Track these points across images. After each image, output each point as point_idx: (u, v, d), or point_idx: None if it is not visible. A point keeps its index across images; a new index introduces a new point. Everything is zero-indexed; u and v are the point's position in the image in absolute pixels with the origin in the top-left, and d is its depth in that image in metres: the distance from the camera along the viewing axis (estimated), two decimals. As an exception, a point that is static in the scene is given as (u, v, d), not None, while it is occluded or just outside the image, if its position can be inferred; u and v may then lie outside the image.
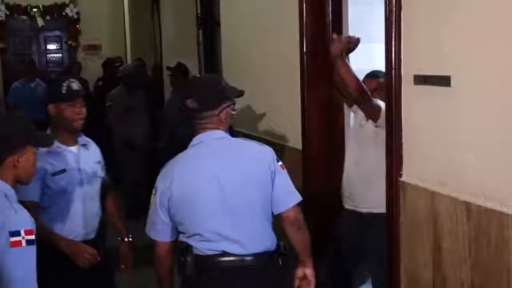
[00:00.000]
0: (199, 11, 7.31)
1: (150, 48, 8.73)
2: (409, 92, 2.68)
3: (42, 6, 11.55)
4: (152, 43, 8.60)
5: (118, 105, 6.37)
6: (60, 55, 12.11)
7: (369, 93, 3.16)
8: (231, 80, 5.18)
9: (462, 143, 2.36)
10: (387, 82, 2.81)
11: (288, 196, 2.47)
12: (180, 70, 6.32)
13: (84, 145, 3.02)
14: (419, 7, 2.59)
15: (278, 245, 2.46)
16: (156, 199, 2.42)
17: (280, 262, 2.45)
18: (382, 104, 3.09)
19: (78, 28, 11.80)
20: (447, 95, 2.42)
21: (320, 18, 3.74)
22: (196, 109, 2.43)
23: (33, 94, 7.44)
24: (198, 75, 2.74)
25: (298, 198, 2.49)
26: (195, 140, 2.46)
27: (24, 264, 2.00)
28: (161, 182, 2.43)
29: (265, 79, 4.55)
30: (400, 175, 2.74)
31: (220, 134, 2.45)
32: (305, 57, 3.80)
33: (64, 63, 11.78)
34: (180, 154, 2.47)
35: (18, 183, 2.19)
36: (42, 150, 2.57)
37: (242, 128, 4.57)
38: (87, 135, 3.07)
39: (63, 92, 2.89)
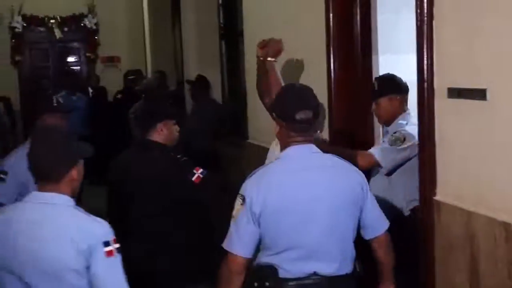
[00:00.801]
0: (221, 21, 7.35)
1: (170, 60, 8.80)
2: (442, 106, 2.66)
3: (59, 17, 11.70)
4: (173, 55, 8.66)
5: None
6: (78, 67, 12.28)
7: None
8: (255, 93, 5.22)
9: (500, 160, 2.32)
10: (418, 95, 2.79)
11: (380, 220, 2.50)
12: (201, 83, 6.34)
13: None
14: (452, 16, 2.57)
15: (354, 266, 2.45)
16: (245, 209, 2.32)
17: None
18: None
19: (97, 40, 11.94)
20: (483, 108, 2.39)
21: (347, 27, 3.74)
22: (310, 120, 2.37)
23: (75, 107, 7.33)
24: (291, 84, 2.61)
25: (387, 222, 2.52)
26: (289, 151, 2.39)
27: (120, 271, 2.12)
28: (252, 192, 2.33)
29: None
30: (434, 194, 2.71)
31: (315, 149, 2.42)
32: (332, 69, 3.80)
33: (83, 76, 11.93)
34: (274, 164, 2.42)
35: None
36: None
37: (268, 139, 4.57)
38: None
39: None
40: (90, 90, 9.88)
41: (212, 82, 6.56)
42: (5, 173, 3.34)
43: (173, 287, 3.07)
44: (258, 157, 4.79)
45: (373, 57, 3.50)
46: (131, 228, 3.02)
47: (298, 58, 4.40)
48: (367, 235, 2.48)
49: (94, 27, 11.87)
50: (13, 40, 11.58)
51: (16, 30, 11.54)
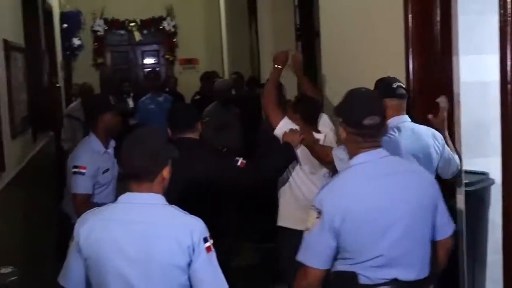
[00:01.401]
0: (297, 22, 7.36)
1: (247, 61, 8.88)
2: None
3: (139, 20, 12.10)
4: (249, 57, 8.74)
5: (212, 121, 6.50)
6: (157, 69, 12.61)
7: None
8: (332, 97, 5.21)
9: None
10: (501, 96, 2.75)
11: (449, 223, 2.52)
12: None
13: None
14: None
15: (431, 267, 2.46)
16: (323, 221, 2.31)
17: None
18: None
19: (175, 42, 12.24)
20: None
21: (426, 28, 3.70)
22: (378, 125, 2.37)
23: (161, 108, 7.32)
24: (357, 89, 2.58)
25: (453, 225, 2.55)
26: (359, 159, 2.38)
27: (217, 266, 2.22)
28: (328, 204, 2.32)
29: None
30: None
31: (385, 152, 2.41)
32: (411, 70, 3.77)
33: (162, 77, 12.24)
34: (346, 174, 2.41)
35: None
36: (99, 151, 3.89)
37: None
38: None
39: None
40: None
41: (286, 84, 6.56)
42: (84, 167, 3.80)
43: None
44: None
45: (454, 58, 3.45)
46: None
47: (377, 59, 4.37)
48: (436, 236, 2.47)
49: (173, 29, 12.18)
50: (95, 43, 12.01)
51: (98, 33, 12.00)
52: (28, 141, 5.39)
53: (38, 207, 5.44)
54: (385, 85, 3.30)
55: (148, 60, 12.61)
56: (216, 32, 11.58)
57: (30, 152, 5.37)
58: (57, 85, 7.25)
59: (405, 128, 3.20)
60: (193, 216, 2.23)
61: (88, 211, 2.30)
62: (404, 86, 3.37)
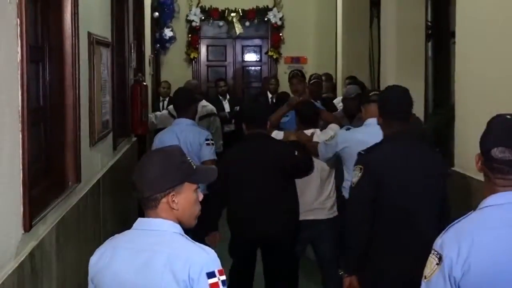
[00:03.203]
0: (429, 20, 7.24)
1: (365, 64, 8.82)
2: None
3: (241, 10, 12.21)
4: (368, 59, 8.68)
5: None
6: (259, 67, 12.77)
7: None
8: (466, 112, 5.08)
9: None
10: None
11: None
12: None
13: None
14: None
15: None
16: (442, 270, 2.29)
17: None
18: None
19: (281, 37, 12.30)
20: None
21: None
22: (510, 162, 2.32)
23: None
24: (501, 114, 2.53)
25: None
26: (491, 200, 2.34)
27: None
28: (452, 250, 2.28)
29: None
30: None
31: None
32: None
33: (262, 77, 12.35)
34: (475, 216, 2.36)
35: (180, 223, 2.42)
36: None
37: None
38: None
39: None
40: (270, 95, 10.22)
41: (413, 92, 6.45)
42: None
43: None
44: (466, 191, 4.67)
45: None
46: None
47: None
48: None
49: (279, 22, 12.21)
50: (189, 35, 12.24)
51: (193, 23, 12.20)
52: (108, 148, 5.59)
53: (116, 222, 5.62)
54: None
55: (249, 57, 12.77)
56: (330, 28, 11.50)
57: (110, 161, 5.57)
58: (144, 83, 7.47)
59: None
60: (204, 248, 2.32)
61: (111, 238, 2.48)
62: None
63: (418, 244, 3.43)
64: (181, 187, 2.36)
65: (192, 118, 5.82)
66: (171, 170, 2.35)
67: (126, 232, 2.42)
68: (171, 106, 7.88)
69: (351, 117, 6.34)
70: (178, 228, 2.36)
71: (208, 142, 5.66)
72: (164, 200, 2.35)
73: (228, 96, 10.23)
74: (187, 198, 2.38)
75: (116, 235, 2.46)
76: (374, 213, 3.68)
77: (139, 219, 2.40)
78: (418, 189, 3.72)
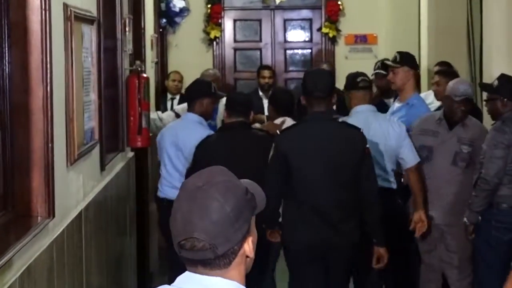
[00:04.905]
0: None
1: (462, 46, 8.76)
2: None
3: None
4: (466, 39, 8.63)
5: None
6: (308, 50, 12.83)
7: None
8: None
9: None
10: None
11: None
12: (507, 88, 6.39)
13: None
14: None
15: None
16: None
17: None
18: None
19: (341, 6, 12.30)
20: None
21: None
22: None
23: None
24: None
25: None
26: None
27: None
28: None
29: None
30: None
31: None
32: None
33: (313, 63, 12.33)
34: None
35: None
36: None
37: None
38: None
39: None
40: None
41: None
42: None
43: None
44: None
45: None
46: None
47: None
48: None
49: (337, -15, 12.27)
50: (209, 6, 12.30)
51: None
52: (94, 168, 5.63)
53: (105, 274, 5.64)
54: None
55: (294, 35, 12.84)
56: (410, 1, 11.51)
57: (96, 187, 5.59)
58: (144, 75, 7.49)
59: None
60: None
61: None
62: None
63: (317, 214, 5.78)
64: (252, 226, 2.41)
65: (203, 115, 6.82)
66: (243, 206, 2.38)
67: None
68: (178, 106, 7.98)
69: (453, 124, 6.74)
70: None
71: None
72: (241, 251, 2.39)
73: (271, 91, 10.23)
74: (255, 237, 2.43)
75: None
76: (284, 185, 5.80)
77: (189, 274, 2.41)
78: (325, 164, 5.79)
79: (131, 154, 7.53)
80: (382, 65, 8.41)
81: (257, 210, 2.43)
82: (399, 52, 7.61)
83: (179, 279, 2.40)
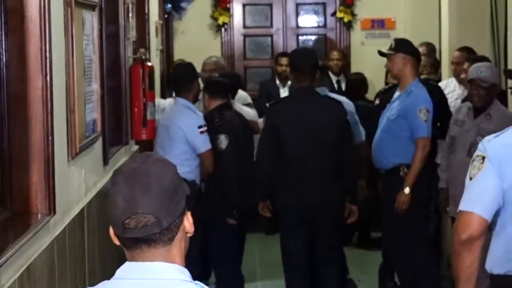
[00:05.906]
0: None
1: (486, 31, 8.74)
2: None
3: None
4: (491, 24, 8.60)
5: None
6: (322, 36, 12.77)
7: None
8: None
9: None
10: None
11: None
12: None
13: None
14: None
15: None
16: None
17: None
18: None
19: (355, -7, 12.32)
20: None
21: None
22: None
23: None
24: None
25: None
26: None
27: None
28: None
29: None
30: None
31: None
32: None
33: (327, 50, 12.32)
34: None
35: None
36: None
37: None
38: None
39: None
40: (334, 77, 10.32)
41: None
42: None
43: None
44: None
45: None
46: None
47: None
48: None
49: (352, -33, 12.27)
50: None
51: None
52: (96, 163, 5.62)
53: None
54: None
55: (307, 21, 12.83)
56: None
57: (99, 182, 5.60)
58: (149, 63, 7.50)
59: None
60: None
61: None
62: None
63: (303, 181, 6.73)
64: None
65: (193, 100, 7.16)
66: (178, 180, 2.50)
67: (108, 284, 2.50)
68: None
69: (478, 112, 6.73)
70: (187, 273, 2.47)
71: (202, 129, 6.91)
72: (182, 226, 2.49)
73: (289, 82, 10.19)
74: (190, 216, 2.53)
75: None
76: (275, 155, 6.75)
77: (130, 263, 2.50)
78: (309, 133, 6.73)
79: (135, 147, 7.54)
80: (379, 52, 8.39)
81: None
82: (395, 39, 7.86)
83: (119, 271, 2.51)
